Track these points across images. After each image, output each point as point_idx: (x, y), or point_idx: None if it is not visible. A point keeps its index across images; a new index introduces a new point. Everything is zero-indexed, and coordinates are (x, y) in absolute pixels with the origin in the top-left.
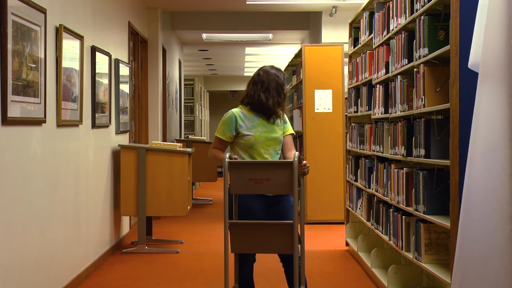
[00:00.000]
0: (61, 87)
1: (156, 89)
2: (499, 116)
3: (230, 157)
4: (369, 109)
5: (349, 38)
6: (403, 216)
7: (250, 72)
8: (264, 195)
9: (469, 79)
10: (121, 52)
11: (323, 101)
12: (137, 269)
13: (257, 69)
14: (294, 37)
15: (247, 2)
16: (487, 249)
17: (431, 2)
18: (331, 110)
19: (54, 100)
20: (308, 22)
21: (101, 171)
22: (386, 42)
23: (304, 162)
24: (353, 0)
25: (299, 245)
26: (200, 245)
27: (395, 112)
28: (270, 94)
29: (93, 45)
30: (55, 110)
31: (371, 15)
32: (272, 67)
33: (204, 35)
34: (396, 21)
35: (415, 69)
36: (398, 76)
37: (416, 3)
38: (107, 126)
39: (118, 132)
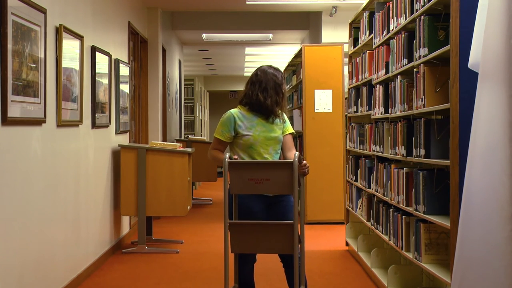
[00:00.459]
0: (61, 87)
1: (156, 89)
2: (499, 116)
3: (230, 157)
4: (369, 109)
5: (349, 38)
6: (403, 216)
7: (250, 72)
8: (264, 195)
9: (469, 79)
10: (121, 52)
11: (323, 101)
12: (137, 269)
13: (255, 69)
14: (294, 37)
15: (247, 2)
16: (487, 249)
17: (431, 2)
18: (331, 110)
19: (54, 100)
20: (308, 22)
21: (101, 171)
22: (386, 42)
23: (304, 162)
24: (353, 0)
25: (299, 245)
26: (200, 245)
27: (395, 112)
28: (268, 94)
29: (93, 45)
30: (55, 110)
31: (371, 15)
32: (270, 66)
33: (204, 35)
34: (396, 21)
35: (415, 69)
36: (398, 76)
37: (416, 3)
38: (107, 126)
39: (118, 132)
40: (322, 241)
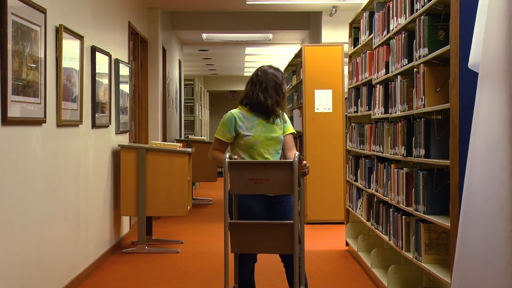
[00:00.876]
0: (61, 87)
1: (156, 89)
2: (499, 116)
3: (230, 157)
4: (369, 109)
5: (349, 38)
6: (403, 216)
7: (250, 72)
8: (265, 195)
9: (469, 79)
10: (121, 52)
11: (323, 101)
12: (137, 269)
13: (256, 69)
14: (294, 37)
15: (247, 2)
16: (487, 249)
17: (431, 2)
18: (331, 110)
19: (54, 100)
20: (308, 22)
21: (101, 171)
22: (386, 42)
23: (304, 162)
24: (353, 0)
25: (299, 245)
26: (200, 245)
27: (395, 112)
28: (269, 94)
29: (93, 45)
30: (55, 110)
31: (371, 15)
32: (270, 66)
33: (204, 35)
34: (396, 21)
35: (415, 69)
36: (398, 76)
37: (416, 3)
38: (107, 126)
39: (118, 132)
40: (322, 241)
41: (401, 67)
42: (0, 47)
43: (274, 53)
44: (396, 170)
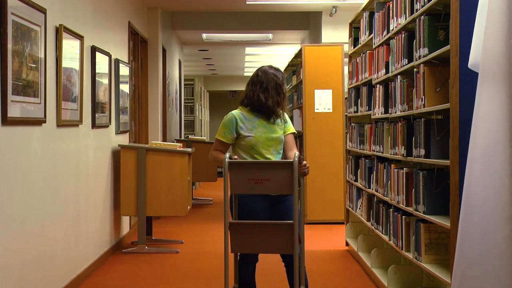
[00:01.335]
0: (61, 87)
1: (156, 89)
2: (499, 116)
3: (230, 157)
4: (369, 109)
5: (349, 38)
6: (403, 216)
7: (250, 72)
8: (267, 194)
9: (469, 79)
10: (121, 52)
11: (323, 101)
12: (137, 269)
13: (256, 69)
14: (294, 37)
15: (247, 2)
16: (487, 249)
17: (431, 2)
18: (331, 110)
19: (54, 100)
20: (308, 22)
21: (101, 171)
22: (386, 42)
23: (304, 162)
24: (353, 0)
25: (299, 245)
26: (200, 245)
27: (395, 112)
28: (269, 94)
29: (93, 45)
30: (55, 110)
31: (371, 15)
32: (271, 67)
33: (204, 35)
34: (396, 21)
35: (415, 69)
36: (398, 76)
37: (416, 3)
38: (107, 126)
39: (118, 132)
40: (322, 241)
41: (401, 67)
42: (0, 47)
43: (274, 53)
44: (396, 170)
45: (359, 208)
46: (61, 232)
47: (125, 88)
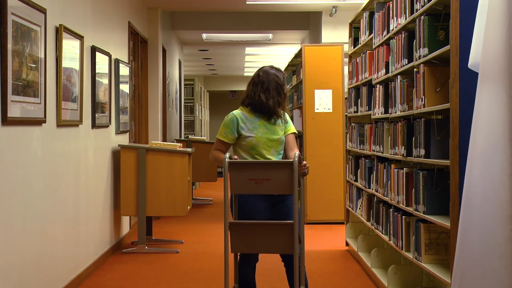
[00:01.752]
0: (61, 87)
1: (156, 89)
2: (499, 116)
3: (230, 157)
4: (369, 109)
5: (349, 38)
6: (403, 216)
7: (250, 72)
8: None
9: (469, 79)
10: (121, 52)
11: (323, 101)
12: (137, 269)
13: (257, 69)
14: (294, 37)
15: (247, 2)
16: (487, 249)
17: (431, 2)
18: (331, 110)
19: (54, 100)
20: (308, 22)
21: (101, 171)
22: (386, 42)
23: (304, 162)
24: (353, 0)
25: (299, 245)
26: (200, 245)
27: (395, 112)
28: (270, 94)
29: (93, 45)
30: (55, 110)
31: (371, 15)
32: (272, 67)
33: (204, 35)
34: (396, 21)
35: (415, 69)
36: (398, 76)
37: (416, 3)
38: (107, 126)
39: (118, 132)
40: (322, 241)
41: (401, 67)
42: (0, 47)
43: (274, 53)
44: (396, 170)
45: (359, 208)
46: (61, 232)
47: (125, 88)
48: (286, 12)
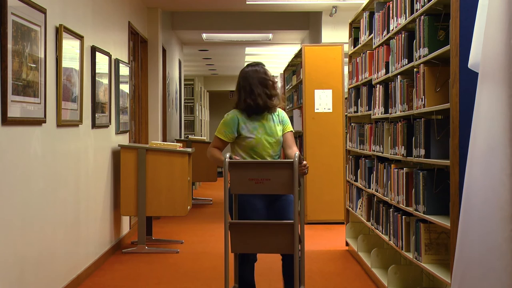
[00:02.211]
0: (61, 87)
1: (156, 89)
2: (499, 116)
3: (230, 157)
4: (369, 109)
5: (349, 38)
6: (403, 216)
7: None
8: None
9: (469, 79)
10: (121, 52)
11: (323, 101)
12: (137, 269)
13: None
14: (294, 37)
15: (247, 2)
16: (487, 249)
17: (431, 2)
18: (331, 110)
19: (54, 100)
20: (308, 22)
21: (101, 171)
22: (386, 42)
23: (304, 162)
24: (353, 0)
25: (299, 245)
26: (200, 245)
27: (395, 112)
28: (256, 93)
29: (93, 45)
30: (55, 110)
31: (371, 15)
32: (248, 65)
33: (204, 35)
34: (396, 21)
35: (415, 69)
36: (398, 76)
37: (416, 3)
38: (107, 126)
39: (118, 132)
40: (322, 241)
41: (401, 67)
42: (0, 47)
43: (274, 53)
44: (396, 170)
45: (359, 208)
46: (61, 232)
47: (125, 88)
48: (286, 12)
